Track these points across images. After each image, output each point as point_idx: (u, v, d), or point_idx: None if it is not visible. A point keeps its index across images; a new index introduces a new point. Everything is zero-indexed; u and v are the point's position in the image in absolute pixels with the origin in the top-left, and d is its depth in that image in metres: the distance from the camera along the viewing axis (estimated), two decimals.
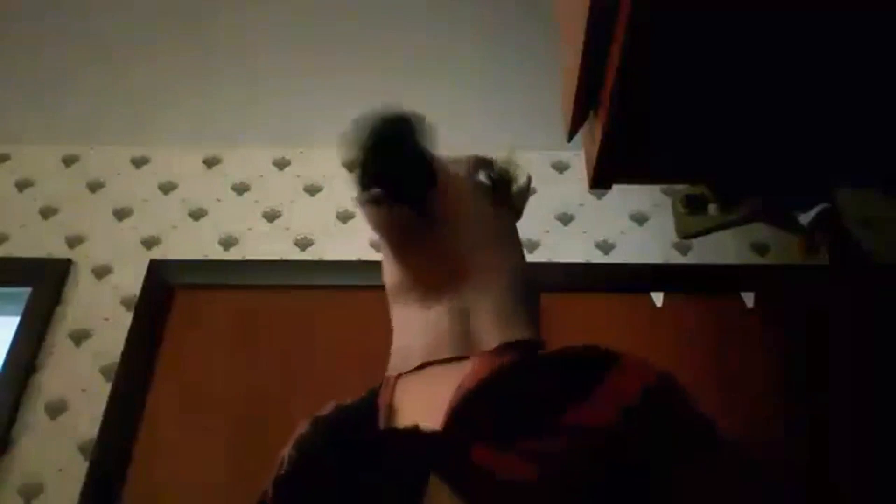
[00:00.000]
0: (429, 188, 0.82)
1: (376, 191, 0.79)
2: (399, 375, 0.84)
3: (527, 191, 0.99)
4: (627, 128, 0.89)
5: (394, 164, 0.80)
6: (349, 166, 0.82)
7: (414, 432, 0.71)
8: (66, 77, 1.91)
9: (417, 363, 0.82)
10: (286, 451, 0.82)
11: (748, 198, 1.57)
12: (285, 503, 0.76)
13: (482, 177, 0.92)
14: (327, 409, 0.85)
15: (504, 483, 0.65)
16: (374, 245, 1.94)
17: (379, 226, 0.82)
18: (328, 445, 0.78)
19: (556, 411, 0.69)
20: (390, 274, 0.89)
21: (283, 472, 0.79)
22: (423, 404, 0.77)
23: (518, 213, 0.98)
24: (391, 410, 0.79)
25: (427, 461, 0.68)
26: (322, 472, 0.74)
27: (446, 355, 0.81)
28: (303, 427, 0.84)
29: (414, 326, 0.86)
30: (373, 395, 0.84)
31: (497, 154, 0.98)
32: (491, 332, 0.82)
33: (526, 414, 0.71)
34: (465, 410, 0.73)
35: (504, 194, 0.94)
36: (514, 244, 0.94)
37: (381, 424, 0.77)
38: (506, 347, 0.81)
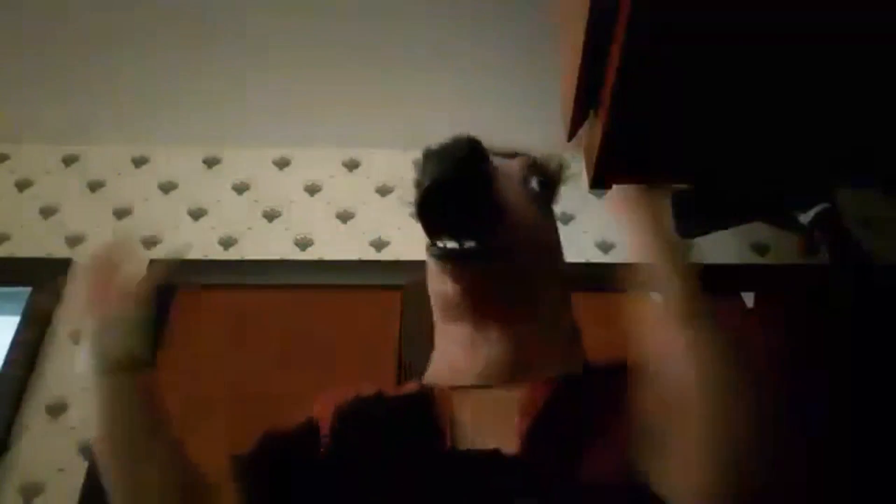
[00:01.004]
0: (499, 229, 0.78)
1: (452, 249, 0.77)
2: (453, 388, 0.81)
3: (559, 184, 0.96)
4: (627, 128, 0.89)
5: (455, 213, 0.76)
6: (416, 214, 0.78)
7: (496, 455, 0.70)
8: (67, 77, 1.91)
9: (470, 382, 0.80)
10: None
11: (747, 198, 1.57)
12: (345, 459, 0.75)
13: (534, 182, 0.89)
14: (375, 390, 0.83)
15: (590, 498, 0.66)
16: (374, 244, 1.94)
17: (455, 279, 0.79)
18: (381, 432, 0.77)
19: (602, 423, 0.71)
20: (443, 295, 0.84)
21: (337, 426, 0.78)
22: (488, 425, 0.75)
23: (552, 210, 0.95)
24: (455, 424, 0.76)
25: (510, 486, 0.67)
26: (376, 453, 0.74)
27: (503, 381, 0.79)
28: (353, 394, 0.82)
29: (465, 344, 0.83)
30: (424, 398, 0.81)
31: (539, 151, 0.95)
32: (549, 363, 0.80)
33: (583, 431, 0.72)
34: (535, 435, 0.72)
35: (552, 196, 0.92)
36: (559, 248, 0.93)
37: (448, 438, 0.74)
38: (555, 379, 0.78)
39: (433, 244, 0.80)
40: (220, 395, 1.72)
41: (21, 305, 1.83)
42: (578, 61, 0.86)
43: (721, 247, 1.89)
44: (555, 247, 0.91)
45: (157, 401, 0.79)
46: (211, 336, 1.81)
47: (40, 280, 1.86)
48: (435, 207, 0.76)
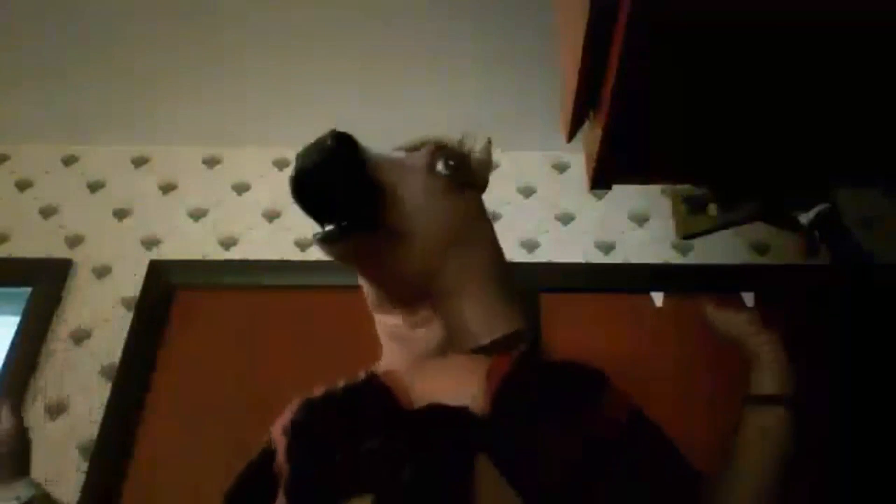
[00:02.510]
0: (374, 207, 0.81)
1: (324, 231, 0.81)
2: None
3: (488, 159, 0.97)
4: (627, 128, 0.89)
5: (326, 198, 0.80)
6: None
7: (463, 412, 0.73)
8: (66, 77, 1.91)
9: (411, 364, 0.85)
10: (287, 419, 0.85)
11: (748, 198, 1.57)
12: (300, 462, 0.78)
13: (440, 166, 0.89)
14: (323, 390, 0.87)
15: (543, 465, 0.70)
16: None
17: (340, 259, 0.83)
18: (341, 414, 0.81)
19: (574, 410, 0.76)
20: (367, 293, 0.90)
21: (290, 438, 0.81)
22: (446, 389, 0.78)
23: (482, 187, 0.96)
24: (410, 392, 0.79)
25: (476, 441, 0.70)
26: (331, 439, 0.77)
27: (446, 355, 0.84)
28: (304, 399, 0.87)
29: (400, 336, 0.87)
30: (373, 377, 0.85)
31: (451, 136, 0.96)
32: (478, 332, 0.84)
33: (548, 407, 0.76)
34: (500, 398, 0.75)
35: (464, 176, 0.91)
36: (482, 229, 0.93)
37: (405, 402, 0.78)
38: (502, 342, 0.83)
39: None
40: (220, 396, 1.72)
41: (21, 305, 1.83)
42: (578, 61, 0.86)
43: (721, 247, 1.89)
44: (473, 230, 0.91)
45: None
46: (210, 336, 1.81)
47: (40, 280, 1.86)
48: (303, 194, 0.80)
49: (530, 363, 0.82)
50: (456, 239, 0.87)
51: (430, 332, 0.84)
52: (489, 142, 0.97)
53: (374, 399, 0.80)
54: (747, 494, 0.78)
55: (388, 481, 0.69)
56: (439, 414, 0.74)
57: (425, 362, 0.84)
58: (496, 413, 0.74)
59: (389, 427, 0.75)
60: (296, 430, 0.83)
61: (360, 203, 0.81)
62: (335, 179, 0.79)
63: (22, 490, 0.83)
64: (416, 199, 0.85)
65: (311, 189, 0.80)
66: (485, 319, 0.85)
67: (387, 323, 0.89)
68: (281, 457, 0.82)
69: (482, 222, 0.94)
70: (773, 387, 0.85)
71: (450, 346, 0.84)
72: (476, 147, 0.96)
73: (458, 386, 0.77)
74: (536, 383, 0.79)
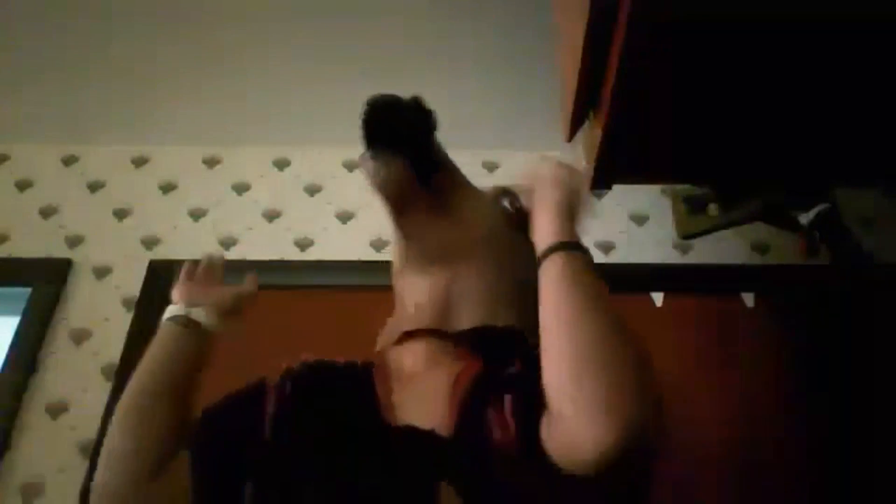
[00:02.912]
0: (435, 168, 0.84)
1: (390, 148, 0.82)
2: (387, 351, 0.88)
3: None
4: (627, 128, 0.89)
5: (399, 119, 0.82)
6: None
7: (431, 436, 0.72)
8: (67, 77, 1.91)
9: (404, 328, 0.86)
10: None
11: (748, 198, 1.57)
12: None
13: (505, 202, 0.93)
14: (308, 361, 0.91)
15: (506, 491, 0.67)
16: (374, 245, 1.94)
17: (383, 185, 0.83)
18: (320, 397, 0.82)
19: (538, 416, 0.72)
20: (394, 252, 0.92)
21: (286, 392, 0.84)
22: (421, 408, 0.78)
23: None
24: (389, 396, 0.81)
25: (441, 467, 0.69)
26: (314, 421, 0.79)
27: (426, 324, 0.84)
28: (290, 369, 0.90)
29: (409, 295, 0.89)
30: (366, 369, 0.87)
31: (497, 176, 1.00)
32: (471, 313, 0.84)
33: (496, 396, 0.74)
34: (465, 415, 0.74)
35: (523, 224, 0.92)
36: (526, 260, 0.93)
37: (384, 410, 0.78)
38: (482, 331, 0.83)
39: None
40: (220, 396, 1.71)
41: (21, 305, 1.82)
42: (578, 61, 0.86)
43: (721, 247, 1.89)
44: (517, 253, 0.91)
45: (196, 367, 0.91)
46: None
47: (40, 280, 1.86)
48: (384, 114, 0.82)
49: (495, 373, 0.79)
50: (503, 250, 0.89)
51: (430, 291, 0.86)
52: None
53: (359, 408, 0.80)
54: (570, 344, 0.69)
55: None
56: (410, 437, 0.73)
57: (413, 375, 0.84)
58: (458, 436, 0.72)
59: (365, 443, 0.74)
60: (293, 385, 0.86)
61: (427, 152, 0.84)
62: (415, 118, 0.82)
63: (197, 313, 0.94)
64: (472, 196, 0.90)
65: (393, 114, 0.82)
66: (480, 306, 0.85)
67: (401, 286, 0.92)
68: (272, 400, 0.85)
69: (530, 261, 0.94)
70: (546, 239, 0.78)
71: (437, 315, 0.85)
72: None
73: (433, 405, 0.77)
74: (499, 396, 0.76)
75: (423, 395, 0.79)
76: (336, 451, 0.74)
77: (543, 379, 0.69)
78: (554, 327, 0.71)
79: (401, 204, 0.84)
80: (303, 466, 0.74)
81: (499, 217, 0.92)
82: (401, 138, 0.82)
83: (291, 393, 0.85)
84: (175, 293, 0.98)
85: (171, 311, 0.95)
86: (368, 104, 0.82)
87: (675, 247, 1.93)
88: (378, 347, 0.90)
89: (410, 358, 0.86)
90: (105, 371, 1.74)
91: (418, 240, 0.86)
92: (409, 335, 0.87)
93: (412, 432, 0.74)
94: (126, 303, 1.85)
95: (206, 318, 0.94)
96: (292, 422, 0.80)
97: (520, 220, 0.91)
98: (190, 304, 0.95)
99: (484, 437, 0.71)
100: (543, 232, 0.80)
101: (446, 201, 0.86)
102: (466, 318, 0.84)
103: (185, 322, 0.92)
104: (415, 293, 0.87)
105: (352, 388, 0.84)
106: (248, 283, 1.08)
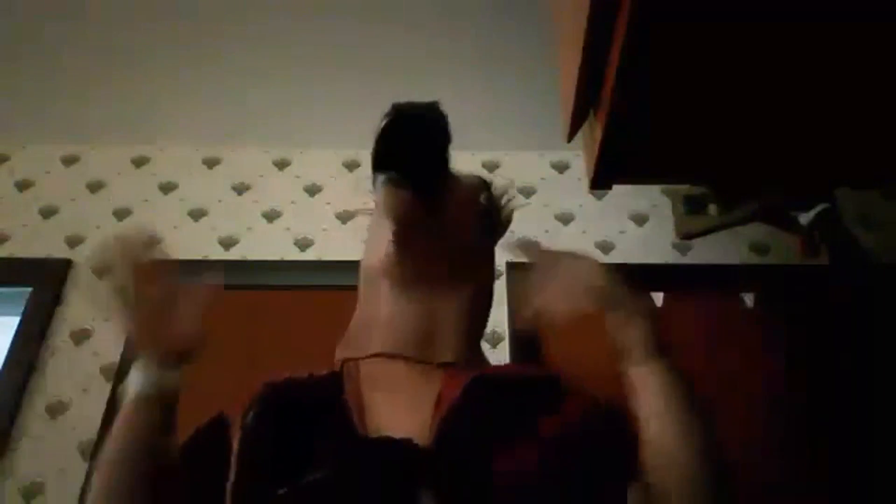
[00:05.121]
0: (443, 185, 0.83)
1: (397, 174, 0.81)
2: (357, 362, 0.85)
3: (508, 224, 1.00)
4: (627, 128, 0.89)
5: (418, 151, 0.81)
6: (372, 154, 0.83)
7: (408, 445, 0.71)
8: (67, 78, 1.91)
9: (374, 351, 0.84)
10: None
11: (748, 198, 1.57)
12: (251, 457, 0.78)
13: (482, 198, 0.92)
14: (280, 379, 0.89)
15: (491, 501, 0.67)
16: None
17: (393, 207, 0.82)
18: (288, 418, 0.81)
19: (530, 425, 0.73)
20: (375, 254, 0.88)
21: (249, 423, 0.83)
22: (400, 413, 0.77)
23: (496, 239, 0.99)
24: (363, 410, 0.78)
25: (420, 478, 0.68)
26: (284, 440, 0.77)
27: (409, 354, 0.82)
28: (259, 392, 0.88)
29: (382, 311, 0.86)
30: (334, 382, 0.84)
31: (497, 176, 0.99)
32: (451, 345, 0.83)
33: (502, 428, 0.74)
34: (449, 427, 0.73)
35: (492, 220, 0.95)
36: (490, 265, 0.95)
37: (357, 424, 0.76)
38: (464, 363, 0.82)
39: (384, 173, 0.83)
40: (220, 395, 1.71)
41: (21, 305, 1.83)
42: (578, 61, 0.86)
43: (721, 247, 1.89)
44: (483, 260, 0.93)
45: (164, 433, 0.85)
46: (210, 337, 1.80)
47: (40, 280, 1.86)
48: (401, 132, 0.81)
49: (485, 382, 0.79)
50: (477, 258, 0.90)
51: (410, 320, 0.84)
52: (512, 211, 1.01)
53: (329, 418, 0.79)
54: (673, 441, 0.73)
55: None
56: (387, 447, 0.72)
57: (377, 367, 0.83)
58: (441, 445, 0.71)
59: (338, 455, 0.73)
60: (251, 428, 0.84)
61: (441, 181, 0.83)
62: (433, 130, 0.81)
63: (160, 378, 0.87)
64: (468, 205, 0.90)
65: (415, 142, 0.81)
66: (458, 337, 0.84)
67: (372, 294, 0.90)
68: (235, 435, 0.84)
69: (492, 265, 0.96)
70: (642, 348, 0.79)
71: (420, 346, 0.83)
72: (508, 206, 0.99)
73: (411, 414, 0.76)
74: (488, 406, 0.76)
75: (401, 400, 0.78)
76: (308, 472, 0.72)
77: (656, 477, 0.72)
78: (681, 448, 0.74)
79: (409, 231, 0.83)
80: (272, 497, 0.72)
81: (477, 225, 0.91)
82: (419, 170, 0.81)
83: (254, 424, 0.84)
84: (136, 341, 0.87)
85: (139, 379, 0.86)
86: (389, 125, 0.81)
87: (675, 247, 1.94)
88: (345, 354, 0.88)
89: (386, 372, 0.83)
90: (105, 371, 1.74)
91: (413, 265, 0.84)
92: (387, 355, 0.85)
93: (389, 443, 0.73)
94: None
95: (176, 380, 0.88)
96: (258, 454, 0.79)
97: (487, 216, 0.92)
98: (158, 361, 0.87)
99: (481, 458, 0.70)
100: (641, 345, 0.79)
101: (443, 221, 0.84)
102: (449, 352, 0.83)
103: (158, 396, 0.86)
104: (395, 315, 0.85)
105: (321, 403, 0.81)
106: (202, 292, 0.96)
